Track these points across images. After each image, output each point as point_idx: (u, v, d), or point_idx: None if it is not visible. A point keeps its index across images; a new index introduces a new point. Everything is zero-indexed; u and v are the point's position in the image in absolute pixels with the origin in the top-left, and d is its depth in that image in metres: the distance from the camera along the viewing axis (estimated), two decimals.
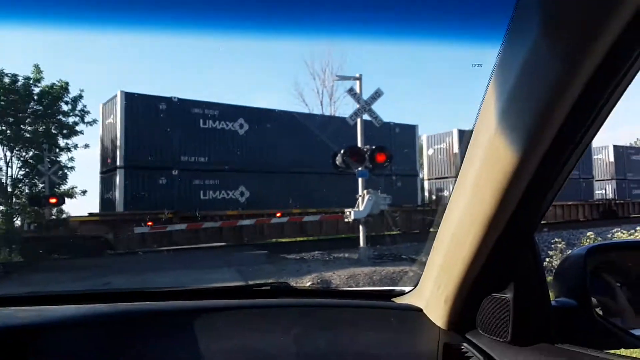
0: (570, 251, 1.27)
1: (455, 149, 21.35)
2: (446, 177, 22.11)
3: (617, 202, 25.77)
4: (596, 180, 26.11)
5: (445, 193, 21.13)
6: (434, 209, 17.82)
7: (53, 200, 14.61)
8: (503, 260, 1.05)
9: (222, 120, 16.01)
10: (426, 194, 22.88)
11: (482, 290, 1.11)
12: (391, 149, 16.70)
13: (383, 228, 15.62)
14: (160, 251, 13.71)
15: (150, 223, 13.76)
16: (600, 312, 1.20)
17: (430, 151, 23.33)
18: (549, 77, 0.74)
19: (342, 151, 11.89)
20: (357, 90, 12.12)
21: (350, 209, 11.74)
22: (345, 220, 12.14)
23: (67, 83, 17.95)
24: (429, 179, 23.20)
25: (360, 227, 11.59)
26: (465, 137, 1.00)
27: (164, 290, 1.40)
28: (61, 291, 1.33)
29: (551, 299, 1.12)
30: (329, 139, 15.53)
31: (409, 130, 20.75)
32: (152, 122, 14.62)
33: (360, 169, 11.71)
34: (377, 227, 14.33)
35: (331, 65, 34.48)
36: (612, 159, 26.26)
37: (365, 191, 11.81)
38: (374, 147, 12.25)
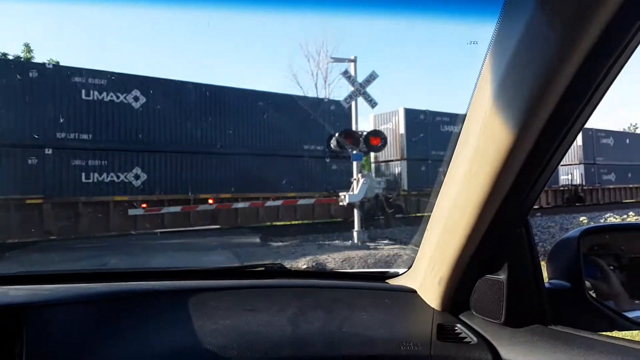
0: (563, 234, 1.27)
1: (402, 130, 19.86)
2: (391, 160, 20.40)
3: (585, 188, 24.16)
4: (562, 165, 24.07)
5: (391, 177, 19.66)
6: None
7: None
8: (497, 242, 1.04)
9: (111, 91, 13.71)
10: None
11: (476, 271, 1.10)
12: (323, 128, 16.53)
13: (378, 212, 15.72)
14: (154, 233, 13.70)
15: (144, 205, 13.71)
16: (594, 295, 1.20)
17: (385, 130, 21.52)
18: (545, 52, 0.73)
19: (336, 134, 11.86)
20: (352, 73, 12.04)
21: (345, 192, 11.76)
22: (340, 203, 12.16)
23: None
24: (375, 162, 21.25)
25: (355, 211, 11.61)
26: (460, 118, 0.98)
27: (159, 270, 1.40)
28: (55, 270, 1.32)
29: (545, 281, 1.12)
30: (245, 116, 15.26)
31: (346, 107, 18.81)
32: (19, 92, 12.45)
33: (354, 152, 11.69)
34: (372, 211, 14.41)
35: (326, 47, 34.15)
36: (580, 142, 24.60)
37: (360, 175, 11.82)
38: (369, 130, 12.23)
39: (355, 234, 11.36)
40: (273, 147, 16.55)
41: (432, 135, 20.19)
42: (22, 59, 20.27)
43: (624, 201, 25.50)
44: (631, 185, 26.79)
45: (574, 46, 0.70)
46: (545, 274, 1.14)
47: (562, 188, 23.89)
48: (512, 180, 0.89)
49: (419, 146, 19.94)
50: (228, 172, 15.42)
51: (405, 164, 19.77)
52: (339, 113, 16.84)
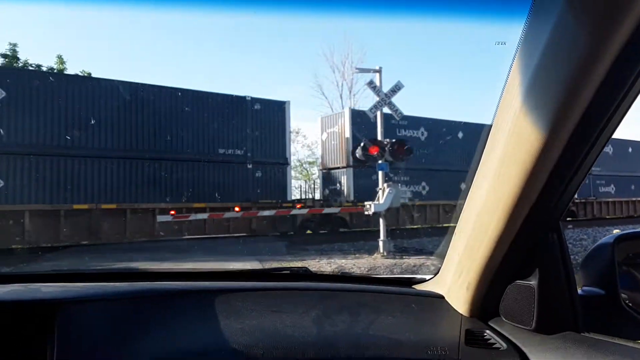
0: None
1: (347, 133, 17.65)
2: (338, 168, 18.10)
3: (577, 201, 21.31)
4: None
5: (337, 187, 17.88)
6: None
7: None
8: (528, 247, 1.02)
9: None
10: (319, 188, 19.35)
11: (505, 277, 1.08)
12: (245, 129, 15.18)
13: (400, 221, 15.53)
14: (181, 240, 13.93)
15: (173, 212, 13.95)
16: (629, 303, 1.16)
17: (324, 136, 19.16)
18: (575, 52, 0.72)
19: (362, 144, 11.84)
20: (377, 83, 12.03)
21: (370, 202, 11.70)
22: (366, 213, 12.09)
23: None
24: (322, 169, 19.22)
25: (380, 220, 11.53)
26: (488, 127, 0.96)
27: (185, 271, 1.42)
28: (84, 269, 1.37)
29: (578, 289, 1.09)
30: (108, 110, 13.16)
31: (276, 108, 16.60)
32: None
33: (380, 161, 11.64)
34: (394, 221, 14.27)
35: (351, 57, 34.14)
36: None
37: (385, 184, 11.75)
38: (394, 140, 12.17)
39: (381, 243, 11.27)
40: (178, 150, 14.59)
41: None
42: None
43: (608, 217, 22.57)
44: (634, 199, 24.40)
45: (604, 46, 0.69)
46: (579, 281, 1.11)
47: None
48: (543, 183, 0.88)
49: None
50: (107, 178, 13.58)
51: (350, 172, 17.51)
52: (266, 112, 15.73)
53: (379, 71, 12.16)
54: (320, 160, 20.00)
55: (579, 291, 1.10)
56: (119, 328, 1.06)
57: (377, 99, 11.94)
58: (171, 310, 1.13)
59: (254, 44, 49.80)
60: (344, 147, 17.83)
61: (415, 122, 18.48)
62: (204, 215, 14.50)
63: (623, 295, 1.16)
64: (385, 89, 11.95)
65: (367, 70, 13.04)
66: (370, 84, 12.10)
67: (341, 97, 33.50)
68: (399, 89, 11.94)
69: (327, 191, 18.68)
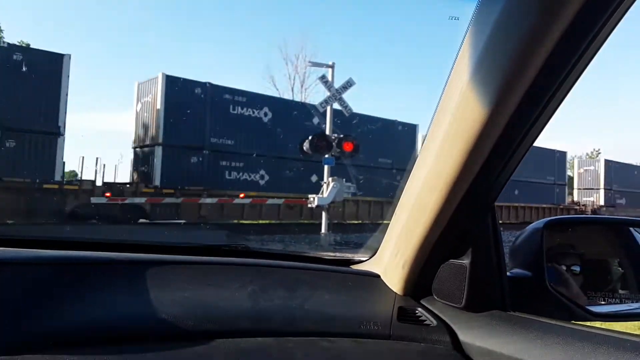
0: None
1: (159, 104, 14.86)
2: (146, 146, 15.52)
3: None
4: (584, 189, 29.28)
5: (145, 168, 15.14)
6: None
7: None
8: (462, 227, 1.05)
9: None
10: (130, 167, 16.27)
11: (440, 256, 1.11)
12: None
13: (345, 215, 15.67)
14: (116, 225, 13.35)
15: (108, 194, 13.38)
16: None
17: (139, 106, 16.16)
18: (523, 28, 0.73)
19: (309, 138, 11.88)
20: (329, 78, 12.10)
21: (314, 195, 11.78)
22: (309, 205, 12.16)
23: None
24: (134, 147, 16.36)
25: (323, 214, 11.64)
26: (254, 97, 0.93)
27: (118, 242, 1.35)
28: (8, 235, 1.26)
29: (507, 271, 1.13)
30: None
31: (47, 62, 13.16)
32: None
33: (326, 156, 11.73)
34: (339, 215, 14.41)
35: (305, 51, 34.10)
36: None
37: (330, 179, 11.86)
38: (341, 135, 12.30)
39: (322, 236, 11.37)
40: None
41: (216, 117, 15.53)
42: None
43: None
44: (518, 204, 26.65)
45: (551, 24, 0.70)
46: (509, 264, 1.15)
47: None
48: (483, 159, 0.89)
49: (188, 129, 15.04)
50: None
51: (159, 150, 14.82)
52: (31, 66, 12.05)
53: (332, 67, 12.25)
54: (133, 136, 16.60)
55: (508, 273, 1.14)
56: (38, 294, 0.99)
57: (329, 94, 12.01)
58: (97, 279, 1.07)
59: (208, 32, 48.68)
60: (155, 119, 15.10)
61: (255, 99, 16.94)
62: (142, 199, 13.98)
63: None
64: (337, 85, 12.04)
65: (321, 65, 13.08)
66: (322, 78, 12.16)
67: (292, 90, 33.44)
68: (351, 85, 12.09)
69: (135, 174, 15.97)
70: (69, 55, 13.67)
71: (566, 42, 0.72)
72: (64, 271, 1.06)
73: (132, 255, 1.21)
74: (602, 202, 28.72)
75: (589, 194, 29.17)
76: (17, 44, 16.39)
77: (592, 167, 29.68)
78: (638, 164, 34.15)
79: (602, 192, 28.98)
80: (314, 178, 15.21)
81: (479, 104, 0.82)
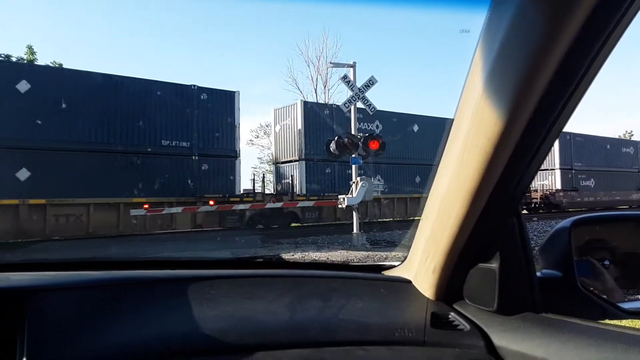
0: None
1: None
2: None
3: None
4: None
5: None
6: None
7: None
8: (489, 230, 1.06)
9: None
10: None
11: (468, 260, 1.12)
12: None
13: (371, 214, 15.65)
14: (157, 233, 13.75)
15: (146, 206, 13.76)
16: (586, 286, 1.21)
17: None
18: (534, 36, 0.74)
19: (336, 138, 11.89)
20: (351, 78, 12.08)
21: (343, 195, 11.77)
22: (339, 206, 12.17)
23: None
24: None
25: (354, 213, 11.62)
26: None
27: (159, 259, 1.41)
28: (55, 259, 1.35)
29: (537, 272, 1.13)
30: None
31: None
32: None
33: (353, 155, 11.71)
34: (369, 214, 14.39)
35: (325, 52, 34.17)
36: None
37: (359, 178, 11.83)
38: (367, 134, 12.26)
39: (354, 236, 11.36)
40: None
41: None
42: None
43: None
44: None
45: (560, 33, 0.71)
46: (538, 265, 1.16)
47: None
48: (502, 167, 0.91)
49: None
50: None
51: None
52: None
53: (353, 66, 12.21)
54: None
55: (538, 274, 1.14)
56: (91, 316, 1.05)
57: (351, 93, 11.99)
58: (144, 298, 1.12)
59: (229, 37, 49.23)
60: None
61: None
62: (178, 209, 14.35)
63: (583, 281, 1.21)
64: (359, 83, 12.01)
65: (342, 65, 13.09)
66: (344, 78, 12.14)
67: (315, 92, 33.53)
68: (373, 83, 12.03)
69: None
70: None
71: (578, 47, 0.73)
72: (110, 292, 1.12)
73: (172, 272, 1.27)
74: (558, 185, 23.79)
75: (544, 176, 23.85)
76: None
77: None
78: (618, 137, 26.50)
79: (557, 172, 23.85)
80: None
81: (493, 113, 0.84)
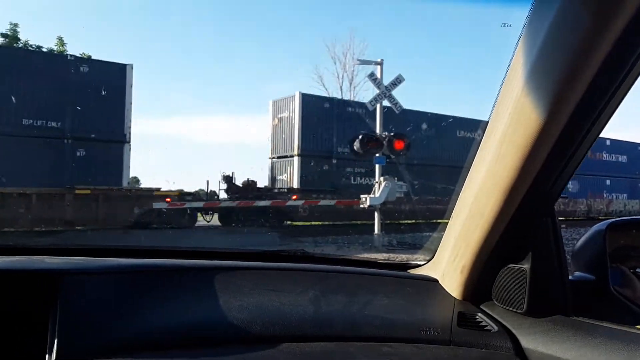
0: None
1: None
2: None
3: None
4: None
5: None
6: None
7: None
8: (522, 230, 1.04)
9: None
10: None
11: (499, 260, 1.10)
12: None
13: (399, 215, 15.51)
14: (174, 228, 13.96)
15: (168, 200, 13.98)
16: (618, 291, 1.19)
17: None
18: (578, 34, 0.73)
19: (360, 137, 11.86)
20: (378, 76, 12.02)
21: (366, 195, 11.74)
22: (361, 206, 12.14)
23: None
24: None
25: (376, 214, 11.58)
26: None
27: (187, 249, 1.44)
28: (88, 245, 1.38)
29: (569, 274, 1.11)
30: None
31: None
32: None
33: (377, 155, 11.66)
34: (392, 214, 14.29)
35: (352, 49, 34.04)
36: None
37: (382, 178, 11.78)
38: (392, 134, 12.19)
39: (375, 237, 11.32)
40: None
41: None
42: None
43: None
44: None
45: (605, 28, 0.70)
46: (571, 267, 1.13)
47: None
48: (540, 165, 0.89)
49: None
50: None
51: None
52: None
53: (381, 64, 12.16)
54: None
55: (570, 276, 1.12)
56: (120, 301, 1.07)
57: (378, 91, 11.93)
58: (172, 286, 1.14)
59: (256, 33, 49.54)
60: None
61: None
62: (200, 204, 14.56)
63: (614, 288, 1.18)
64: (386, 81, 11.95)
65: (369, 63, 13.06)
66: (371, 76, 12.09)
67: (341, 89, 33.44)
68: (400, 82, 11.95)
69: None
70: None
71: (623, 44, 0.71)
72: (141, 278, 1.15)
73: (200, 262, 1.29)
74: None
75: None
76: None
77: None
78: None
79: None
80: None
81: (533, 110, 0.82)
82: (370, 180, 16.28)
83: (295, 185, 16.70)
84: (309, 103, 16.99)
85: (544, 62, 0.79)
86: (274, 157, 18.09)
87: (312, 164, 16.85)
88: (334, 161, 17.19)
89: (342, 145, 16.82)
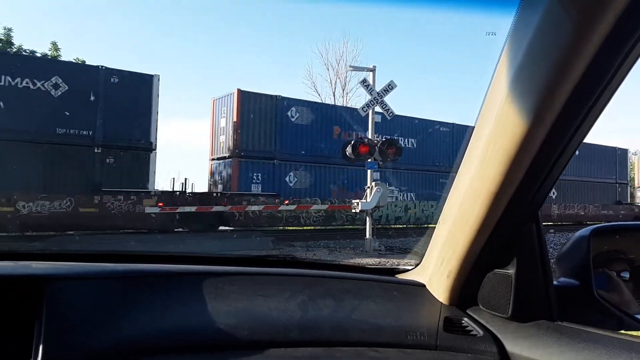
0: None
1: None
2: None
3: None
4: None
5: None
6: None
7: None
8: (507, 236, 1.05)
9: None
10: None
11: (484, 265, 1.11)
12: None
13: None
14: (165, 232, 13.88)
15: (160, 204, 13.90)
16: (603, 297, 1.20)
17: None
18: (560, 42, 0.74)
19: (352, 142, 11.87)
20: (370, 82, 12.06)
21: (357, 200, 11.75)
22: (353, 210, 12.13)
23: None
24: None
25: (367, 219, 11.59)
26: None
27: (175, 254, 1.43)
28: (75, 250, 1.37)
29: (554, 280, 1.12)
30: None
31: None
32: None
33: (369, 160, 11.68)
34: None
35: (345, 56, 34.19)
36: None
37: (373, 183, 11.79)
38: (384, 139, 12.23)
39: (366, 242, 11.32)
40: None
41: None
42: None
43: None
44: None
45: (588, 35, 0.71)
46: (555, 272, 1.14)
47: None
48: (524, 170, 0.90)
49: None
50: None
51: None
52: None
53: (373, 70, 12.20)
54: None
55: (555, 282, 1.13)
56: (107, 306, 1.07)
57: (370, 97, 11.97)
58: (159, 291, 1.14)
59: (248, 39, 49.61)
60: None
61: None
62: (192, 208, 14.47)
63: (599, 293, 1.19)
64: (379, 88, 11.99)
65: (361, 69, 13.10)
66: (364, 82, 12.12)
67: (334, 95, 33.54)
68: (392, 88, 11.98)
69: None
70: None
71: (605, 52, 0.73)
72: (128, 284, 1.14)
73: (188, 267, 1.28)
74: None
75: None
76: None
77: None
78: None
79: None
80: None
81: (518, 117, 0.83)
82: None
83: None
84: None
85: (528, 69, 0.81)
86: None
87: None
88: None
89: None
